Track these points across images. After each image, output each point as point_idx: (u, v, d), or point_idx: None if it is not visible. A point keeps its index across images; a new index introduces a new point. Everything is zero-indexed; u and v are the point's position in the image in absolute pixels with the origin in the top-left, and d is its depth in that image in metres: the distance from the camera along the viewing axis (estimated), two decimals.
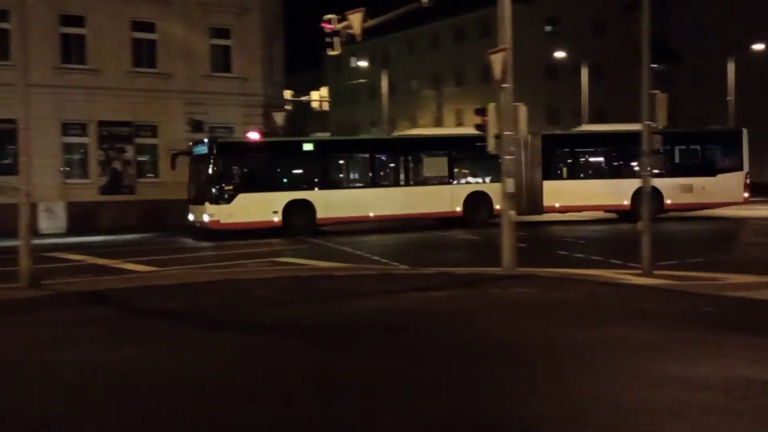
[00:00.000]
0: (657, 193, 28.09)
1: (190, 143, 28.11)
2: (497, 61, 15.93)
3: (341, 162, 28.75)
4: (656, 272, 15.42)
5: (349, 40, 21.98)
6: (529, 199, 28.54)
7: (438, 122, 72.86)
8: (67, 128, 30.81)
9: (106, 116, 31.15)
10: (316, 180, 27.09)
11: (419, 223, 28.98)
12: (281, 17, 37.29)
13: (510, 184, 16.20)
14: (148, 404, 7.01)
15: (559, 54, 59.03)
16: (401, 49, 77.30)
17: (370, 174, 28.48)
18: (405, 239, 25.63)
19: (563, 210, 30.00)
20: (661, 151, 27.93)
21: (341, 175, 28.68)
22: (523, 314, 11.34)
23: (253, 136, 31.53)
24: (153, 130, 32.15)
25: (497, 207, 27.18)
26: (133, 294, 13.87)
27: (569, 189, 29.56)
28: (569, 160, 30.55)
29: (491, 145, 16.64)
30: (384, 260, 19.33)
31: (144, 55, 32.20)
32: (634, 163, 28.97)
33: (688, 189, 29.74)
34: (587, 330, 9.96)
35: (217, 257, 21.21)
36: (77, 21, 31.03)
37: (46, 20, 29.48)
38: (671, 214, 30.06)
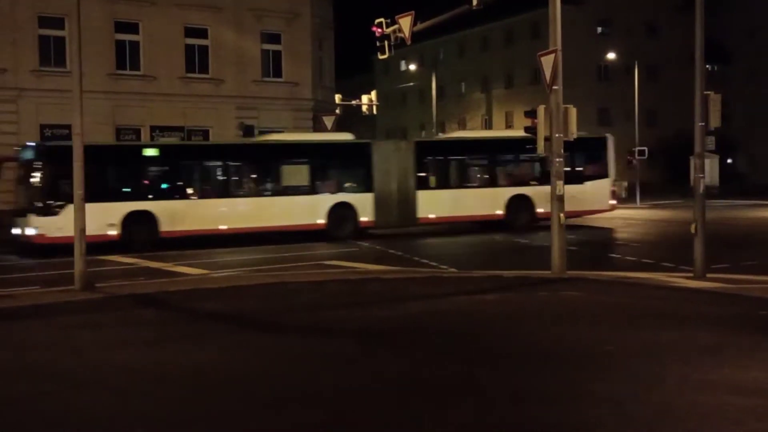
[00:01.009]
0: (528, 202, 27.85)
1: (15, 148, 25.34)
2: (547, 62, 15.85)
3: (190, 169, 25.45)
4: (709, 275, 15.21)
5: (398, 44, 22.04)
6: (401, 211, 26.92)
7: (487, 125, 72.65)
8: (120, 133, 31.30)
9: (158, 121, 31.60)
10: (159, 189, 24.42)
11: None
12: (331, 22, 37.51)
13: (560, 186, 16.08)
14: (199, 407, 7.12)
15: (611, 55, 58.47)
16: (450, 51, 77.19)
17: (223, 183, 25.80)
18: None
19: (438, 221, 27.67)
20: (531, 159, 27.71)
21: (190, 184, 25.15)
22: (573, 318, 11.26)
23: None
24: (205, 135, 32.52)
25: (363, 219, 25.93)
26: (184, 297, 14.05)
27: (444, 199, 27.41)
28: (443, 169, 28.51)
29: (541, 147, 16.54)
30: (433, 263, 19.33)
31: (196, 60, 32.62)
32: (508, 171, 29.02)
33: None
34: (636, 334, 9.87)
35: (267, 260, 21.38)
36: (131, 27, 31.54)
37: (101, 27, 30.00)
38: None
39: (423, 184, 27.38)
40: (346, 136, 28.40)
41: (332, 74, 37.86)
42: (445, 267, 18.55)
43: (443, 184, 27.99)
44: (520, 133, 28.65)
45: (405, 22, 20.96)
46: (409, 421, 6.49)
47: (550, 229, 16.01)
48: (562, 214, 16.03)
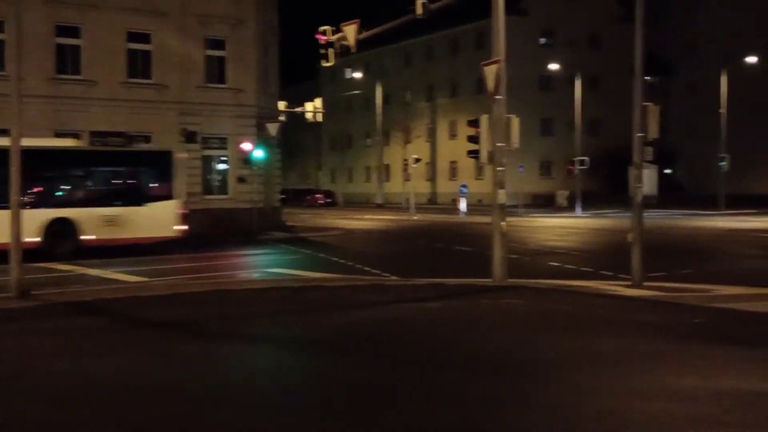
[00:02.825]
0: (70, 226, 23.48)
1: None
2: (491, 72, 15.99)
3: None
4: (646, 283, 15.47)
5: (343, 52, 22.01)
6: None
7: (432, 134, 73.02)
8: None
9: (99, 126, 31.06)
10: None
11: None
12: (276, 28, 37.36)
13: (502, 195, 16.22)
14: (138, 414, 7.00)
15: (553, 66, 59.26)
16: (396, 60, 77.50)
17: None
18: None
19: None
20: (77, 176, 24.75)
21: None
22: (513, 326, 11.36)
23: (246, 146, 31.67)
24: (147, 141, 32.07)
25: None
26: (123, 304, 13.84)
27: None
28: None
29: (484, 157, 16.67)
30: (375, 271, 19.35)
31: (139, 65, 32.21)
32: (47, 189, 23.90)
33: (113, 221, 24.18)
34: (576, 342, 9.98)
35: (208, 267, 21.19)
36: (73, 31, 31.01)
37: (42, 31, 29.47)
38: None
39: None
40: None
41: (277, 81, 37.70)
42: (387, 274, 18.57)
43: None
44: (62, 142, 25.72)
45: (350, 30, 20.94)
46: (349, 428, 6.47)
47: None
48: (504, 223, 16.16)
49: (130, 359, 9.30)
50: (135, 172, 25.82)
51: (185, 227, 25.33)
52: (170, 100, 32.17)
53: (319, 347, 10.00)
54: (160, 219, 24.78)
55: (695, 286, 15.58)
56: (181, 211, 25.20)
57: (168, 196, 25.21)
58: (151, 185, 25.75)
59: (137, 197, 25.03)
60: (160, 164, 25.63)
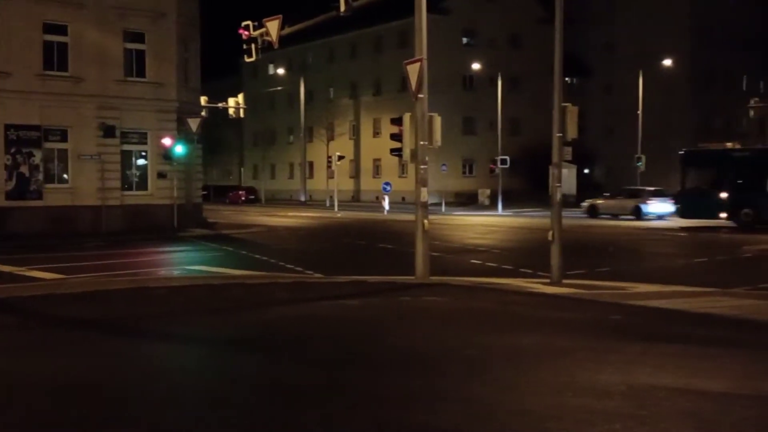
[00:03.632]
0: None
1: None
2: (413, 71, 16.05)
3: None
4: (565, 281, 15.73)
5: (266, 47, 21.86)
6: None
7: (355, 131, 73.05)
8: None
9: (13, 119, 30.26)
10: None
11: None
12: (197, 22, 36.83)
13: (424, 193, 16.30)
14: (52, 414, 6.82)
15: (476, 65, 59.86)
16: (320, 57, 77.28)
17: None
18: None
19: None
20: None
21: None
22: (435, 323, 11.42)
23: (166, 142, 31.18)
24: (63, 135, 31.35)
25: None
26: (39, 302, 13.49)
27: None
28: None
29: (407, 155, 16.73)
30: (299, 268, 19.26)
31: (55, 57, 31.41)
32: None
33: None
34: (496, 338, 10.10)
35: (127, 265, 20.82)
36: None
37: None
38: None
39: None
40: None
41: (198, 76, 37.15)
42: (310, 272, 18.50)
43: None
44: None
45: (272, 26, 20.81)
46: (267, 427, 6.41)
47: None
48: (426, 221, 16.25)
49: (47, 358, 9.06)
50: None
51: None
52: (88, 93, 31.44)
53: (238, 346, 9.89)
54: None
55: (612, 284, 15.91)
56: None
57: None
58: None
59: None
60: None
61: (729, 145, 36.62)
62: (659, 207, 41.46)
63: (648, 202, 41.81)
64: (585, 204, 44.68)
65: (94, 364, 8.85)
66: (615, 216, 41.61)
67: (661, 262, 21.97)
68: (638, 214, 41.30)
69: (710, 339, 10.17)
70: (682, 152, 37.04)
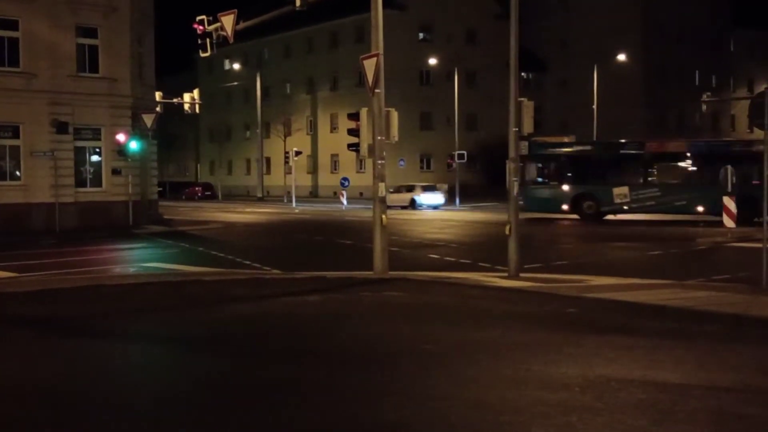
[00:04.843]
0: None
1: None
2: (370, 66, 16.04)
3: None
4: (522, 275, 15.83)
5: (221, 43, 21.67)
6: None
7: (312, 126, 72.83)
8: None
9: None
10: None
11: None
12: (151, 17, 36.41)
13: (382, 188, 16.31)
14: (8, 415, 6.71)
15: (432, 61, 59.97)
16: (276, 52, 76.87)
17: None
18: None
19: None
20: None
21: None
22: (393, 318, 11.43)
23: (121, 138, 30.80)
24: (15, 131, 30.82)
25: None
26: None
27: None
28: None
29: (363, 150, 16.72)
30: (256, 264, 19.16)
31: (6, 53, 30.85)
32: None
33: None
34: (454, 332, 10.13)
35: (81, 262, 20.54)
36: None
37: None
38: None
39: None
40: None
41: (153, 71, 36.73)
42: (268, 268, 18.41)
43: None
44: None
45: (227, 20, 20.63)
46: (224, 425, 6.37)
47: None
48: (384, 216, 16.25)
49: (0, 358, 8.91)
50: None
51: None
52: (39, 89, 30.92)
53: (193, 343, 9.82)
54: None
55: (569, 277, 16.03)
56: None
57: None
58: None
59: None
60: None
61: (566, 139, 37.63)
62: (431, 199, 48.44)
63: (421, 195, 48.42)
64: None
65: (45, 363, 8.72)
66: (404, 208, 46.88)
67: (618, 254, 22.20)
68: (413, 205, 47.64)
69: (666, 331, 10.31)
70: None
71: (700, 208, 32.43)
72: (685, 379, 7.66)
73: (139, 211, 32.05)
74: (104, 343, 9.89)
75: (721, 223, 24.34)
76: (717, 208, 29.64)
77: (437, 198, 48.75)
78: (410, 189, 49.69)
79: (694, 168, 33.90)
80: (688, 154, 34.13)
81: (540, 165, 35.66)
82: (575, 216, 34.55)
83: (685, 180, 33.93)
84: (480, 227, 32.23)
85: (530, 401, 6.86)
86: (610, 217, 34.22)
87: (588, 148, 37.09)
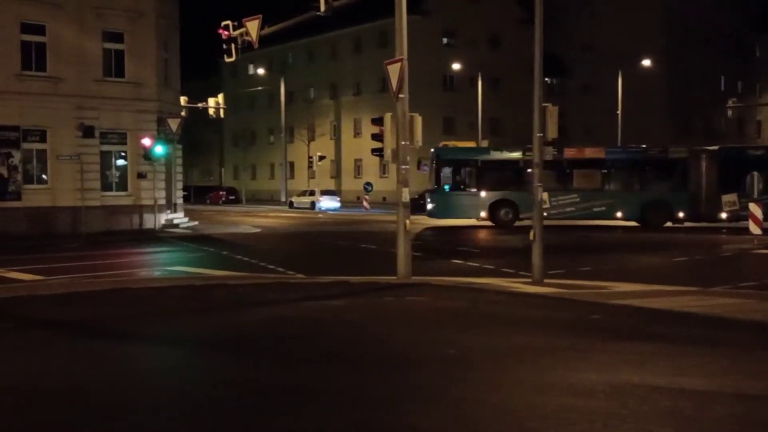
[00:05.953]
0: None
1: None
2: (394, 71, 16.07)
3: None
4: (546, 281, 15.78)
5: (246, 48, 21.80)
6: None
7: (336, 131, 72.98)
8: None
9: None
10: None
11: None
12: (177, 22, 36.72)
13: (406, 193, 16.32)
14: (22, 418, 6.78)
15: (456, 66, 59.91)
16: (300, 57, 77.12)
17: None
18: None
19: None
20: None
21: None
22: (417, 323, 11.43)
23: (146, 142, 31.03)
24: (42, 135, 31.15)
25: None
26: (17, 303, 13.38)
27: None
28: None
29: (387, 155, 16.74)
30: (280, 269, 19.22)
31: (33, 57, 31.20)
32: None
33: None
34: (478, 338, 10.11)
35: (107, 266, 20.70)
36: None
37: None
38: None
39: None
40: None
41: (178, 76, 37.04)
42: (292, 273, 18.47)
43: None
44: None
45: (252, 26, 20.74)
46: (249, 427, 6.40)
47: None
48: (408, 221, 16.27)
49: (28, 361, 8.99)
50: None
51: None
52: (66, 93, 31.26)
53: (221, 347, 9.86)
54: None
55: (593, 283, 15.97)
56: None
57: None
58: None
59: None
60: None
61: (484, 143, 37.42)
62: (328, 203, 55.72)
63: (320, 199, 55.72)
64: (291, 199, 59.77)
65: (72, 366, 8.79)
66: (311, 209, 54.85)
67: (641, 260, 22.07)
68: (313, 207, 55.19)
69: (691, 338, 10.24)
70: (434, 150, 36.30)
71: (619, 214, 33.52)
72: (710, 386, 7.61)
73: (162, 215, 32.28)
74: (132, 346, 9.96)
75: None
76: (634, 214, 32.80)
77: (334, 203, 56.16)
78: (312, 194, 57.13)
79: (613, 174, 34.30)
80: (606, 161, 34.41)
81: (452, 170, 35.37)
82: (491, 223, 34.35)
83: (603, 186, 34.19)
84: (504, 233, 32.12)
85: (556, 407, 6.84)
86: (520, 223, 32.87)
87: (506, 154, 35.94)
